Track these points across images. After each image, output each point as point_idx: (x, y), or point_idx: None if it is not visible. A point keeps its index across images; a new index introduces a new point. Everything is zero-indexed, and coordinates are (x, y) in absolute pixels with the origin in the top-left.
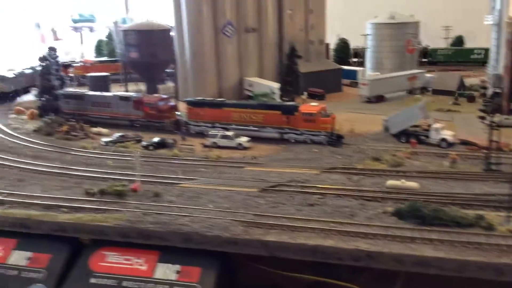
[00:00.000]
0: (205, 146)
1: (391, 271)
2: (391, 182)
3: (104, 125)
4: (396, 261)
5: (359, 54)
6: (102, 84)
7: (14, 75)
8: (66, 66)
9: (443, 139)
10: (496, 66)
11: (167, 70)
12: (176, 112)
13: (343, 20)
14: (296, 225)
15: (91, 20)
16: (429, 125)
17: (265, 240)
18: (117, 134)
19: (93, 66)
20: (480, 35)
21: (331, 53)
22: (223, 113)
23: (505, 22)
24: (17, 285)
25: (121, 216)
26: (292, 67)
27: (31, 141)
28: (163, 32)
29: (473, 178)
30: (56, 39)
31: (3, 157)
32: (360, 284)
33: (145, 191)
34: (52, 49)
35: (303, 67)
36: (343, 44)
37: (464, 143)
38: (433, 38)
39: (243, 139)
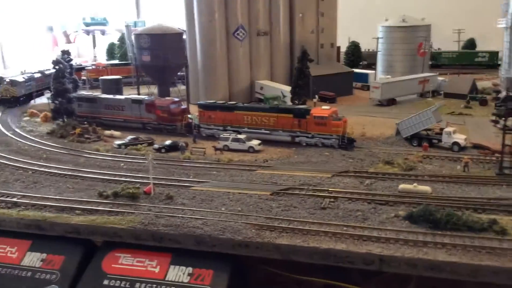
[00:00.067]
0: (217, 149)
1: (402, 275)
2: (403, 186)
3: (116, 128)
4: (409, 265)
5: (364, 57)
6: (114, 87)
7: (23, 79)
8: (79, 69)
9: (455, 143)
10: (508, 69)
11: (179, 73)
12: (188, 115)
13: (354, 23)
14: (308, 228)
15: (103, 23)
16: (441, 129)
17: (277, 243)
18: (129, 137)
19: (105, 69)
20: (493, 38)
21: (342, 56)
22: (234, 116)
23: None
24: (31, 287)
25: (134, 218)
26: (303, 70)
27: (45, 143)
28: (176, 36)
29: (486, 182)
30: (68, 42)
31: (17, 159)
32: None
33: (157, 194)
34: (65, 53)
35: (314, 70)
36: (354, 47)
37: (477, 147)
38: (445, 41)
39: (255, 142)
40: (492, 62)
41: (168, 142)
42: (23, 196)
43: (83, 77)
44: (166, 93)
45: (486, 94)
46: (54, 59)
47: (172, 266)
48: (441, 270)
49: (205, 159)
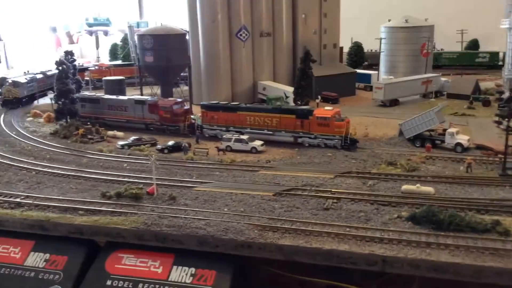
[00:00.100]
0: (219, 149)
1: (405, 276)
2: (406, 187)
3: (119, 128)
4: (412, 266)
5: (366, 57)
6: (117, 87)
7: (26, 80)
8: (82, 70)
9: (459, 144)
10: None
11: (182, 74)
12: (191, 116)
13: (356, 24)
14: (311, 229)
15: (106, 24)
16: (444, 130)
17: (279, 244)
18: (132, 137)
19: (108, 70)
20: (496, 39)
21: (345, 56)
22: (237, 116)
23: None
24: (34, 287)
25: (137, 218)
26: (306, 71)
27: (48, 144)
28: (179, 37)
29: (489, 183)
30: (71, 42)
31: (21, 160)
32: None
33: (160, 194)
34: (68, 53)
35: (317, 71)
36: (356, 48)
37: (480, 147)
38: (448, 42)
39: (257, 143)
40: (492, 62)
41: (171, 142)
42: (27, 197)
43: (86, 78)
44: (169, 93)
45: (489, 94)
46: (58, 59)
47: (175, 267)
48: (444, 271)
49: (208, 160)
